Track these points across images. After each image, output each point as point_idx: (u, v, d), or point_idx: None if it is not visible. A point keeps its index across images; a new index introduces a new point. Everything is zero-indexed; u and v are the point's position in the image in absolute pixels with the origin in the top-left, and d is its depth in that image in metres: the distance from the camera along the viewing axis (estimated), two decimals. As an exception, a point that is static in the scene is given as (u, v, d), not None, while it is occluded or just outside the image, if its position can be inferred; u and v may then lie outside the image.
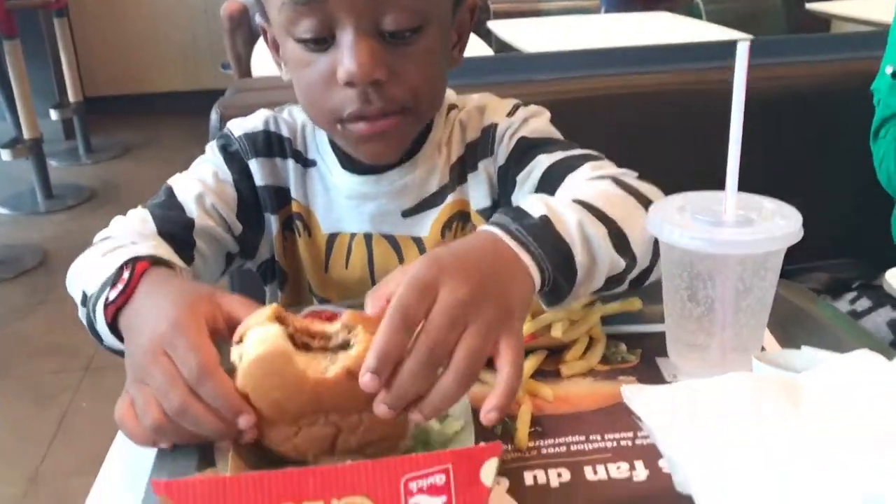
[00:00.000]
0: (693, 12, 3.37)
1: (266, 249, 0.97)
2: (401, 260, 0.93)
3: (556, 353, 0.74)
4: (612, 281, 0.71)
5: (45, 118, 4.14)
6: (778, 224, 0.67)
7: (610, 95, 1.40)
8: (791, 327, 0.75)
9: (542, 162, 0.87)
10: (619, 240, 0.70)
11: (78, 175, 4.21)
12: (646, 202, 0.74)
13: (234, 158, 0.92)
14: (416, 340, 0.54)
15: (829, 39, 2.32)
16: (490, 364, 0.56)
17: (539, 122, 0.92)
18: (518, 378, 0.55)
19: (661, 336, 0.74)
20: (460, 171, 0.92)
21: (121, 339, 0.67)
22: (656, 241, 0.71)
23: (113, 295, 0.67)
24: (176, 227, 0.85)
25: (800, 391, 0.53)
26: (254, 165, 0.92)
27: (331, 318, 0.77)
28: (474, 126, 0.93)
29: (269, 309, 0.57)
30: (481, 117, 0.93)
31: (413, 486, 0.44)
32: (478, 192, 0.92)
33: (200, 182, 0.89)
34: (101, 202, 3.89)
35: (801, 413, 0.51)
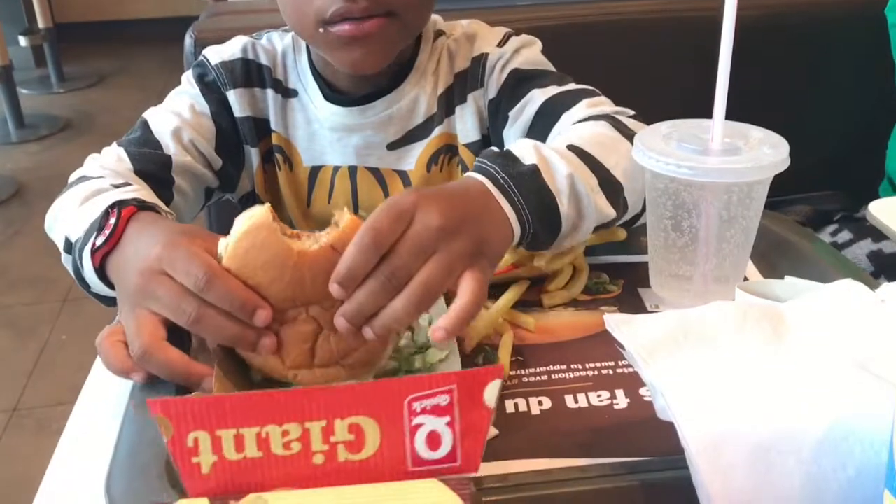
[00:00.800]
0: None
1: (247, 182, 0.94)
2: (386, 194, 0.91)
3: (538, 283, 0.73)
4: (600, 227, 0.71)
5: (15, 45, 4.03)
6: (765, 153, 0.66)
7: (596, 23, 1.36)
8: (775, 258, 0.75)
9: (536, 97, 0.84)
10: (611, 189, 0.69)
11: (50, 104, 4.11)
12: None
13: (210, 89, 0.89)
14: (381, 262, 0.55)
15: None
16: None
17: (531, 53, 0.89)
18: (474, 309, 0.55)
19: (643, 266, 0.74)
20: (448, 102, 0.89)
21: (109, 285, 0.66)
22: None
23: (100, 241, 0.65)
24: (154, 166, 0.83)
25: (783, 319, 0.52)
26: (232, 96, 0.89)
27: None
28: (464, 55, 0.89)
29: (260, 207, 0.57)
30: (471, 46, 0.90)
31: (417, 406, 0.44)
32: (466, 125, 0.89)
33: (177, 115, 0.86)
34: (76, 132, 3.81)
35: (784, 340, 0.51)
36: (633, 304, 0.72)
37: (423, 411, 0.44)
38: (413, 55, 0.89)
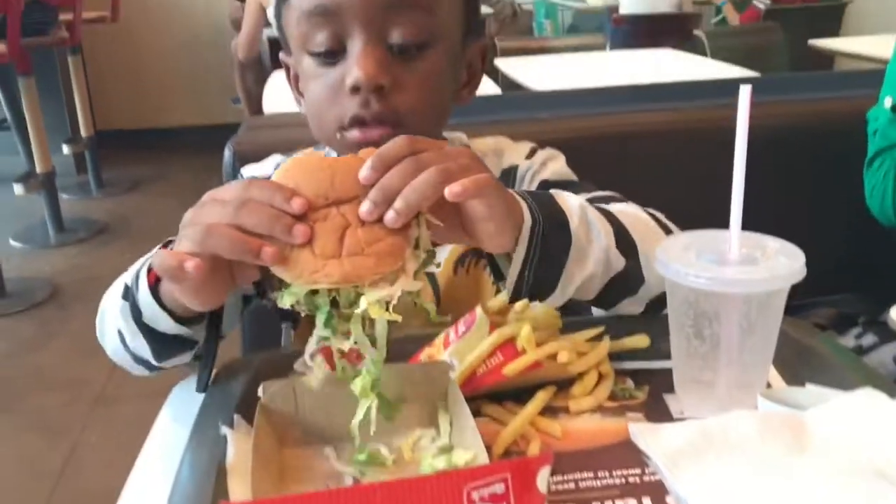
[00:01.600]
0: (697, 48, 3.41)
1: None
2: (414, 304, 0.93)
3: (564, 388, 0.75)
4: (620, 286, 0.74)
5: (58, 152, 4.20)
6: (782, 263, 0.68)
7: (615, 134, 1.42)
8: (796, 364, 0.76)
9: None
10: (624, 241, 0.73)
11: (89, 209, 4.26)
12: (666, 229, 0.77)
13: None
14: (410, 157, 0.62)
15: (832, 77, 2.34)
16: (499, 398, 0.57)
17: (557, 165, 0.95)
18: (488, 182, 0.63)
19: (668, 372, 0.75)
20: None
21: (164, 309, 0.72)
22: None
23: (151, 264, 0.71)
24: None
25: (805, 429, 0.54)
26: None
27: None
28: (492, 167, 0.93)
29: None
30: (499, 159, 0.95)
31: (475, 495, 0.46)
32: None
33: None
34: (112, 235, 3.93)
35: (806, 451, 0.52)
36: (658, 410, 0.73)
37: (482, 500, 0.46)
38: None
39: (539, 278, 0.71)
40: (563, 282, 0.71)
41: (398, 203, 0.60)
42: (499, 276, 0.77)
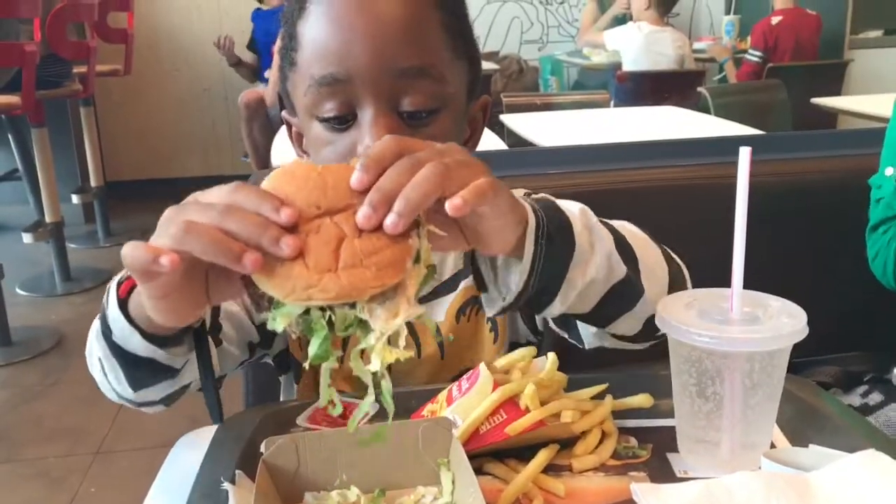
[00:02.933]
0: (701, 106, 3.45)
1: (282, 341, 0.98)
2: (417, 346, 0.95)
3: (567, 446, 0.74)
4: (619, 296, 0.74)
5: (67, 202, 4.24)
6: (784, 322, 0.69)
7: (619, 190, 1.43)
8: (800, 423, 0.76)
9: None
10: (624, 250, 0.74)
11: (96, 258, 4.28)
12: (663, 250, 0.80)
13: None
14: (406, 157, 0.58)
15: (834, 136, 2.36)
16: (502, 456, 0.57)
17: None
18: (488, 189, 0.59)
19: (671, 430, 0.75)
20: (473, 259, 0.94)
21: (130, 321, 0.70)
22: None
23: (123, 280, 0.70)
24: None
25: (809, 490, 0.54)
26: None
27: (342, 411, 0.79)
28: None
29: None
30: None
31: None
32: None
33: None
34: (118, 285, 3.94)
35: (809, 513, 0.52)
36: (661, 469, 0.73)
37: None
38: None
39: (542, 282, 0.69)
40: (565, 288, 0.70)
41: (398, 204, 0.55)
42: (485, 302, 0.74)
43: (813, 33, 4.48)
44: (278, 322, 0.57)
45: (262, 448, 0.65)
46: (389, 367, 0.62)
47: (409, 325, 0.94)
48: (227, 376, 0.91)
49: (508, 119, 2.94)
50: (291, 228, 0.56)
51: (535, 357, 0.78)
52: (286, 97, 0.93)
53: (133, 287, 0.69)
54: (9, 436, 2.60)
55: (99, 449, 2.46)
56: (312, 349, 0.58)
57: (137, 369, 0.74)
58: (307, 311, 0.57)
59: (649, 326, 0.76)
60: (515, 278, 0.68)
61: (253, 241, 0.55)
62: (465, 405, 0.72)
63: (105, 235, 4.57)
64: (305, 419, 0.77)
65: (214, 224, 0.56)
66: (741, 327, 0.68)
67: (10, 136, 3.96)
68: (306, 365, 0.59)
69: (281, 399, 1.05)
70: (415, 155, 0.58)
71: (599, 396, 0.77)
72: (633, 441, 0.77)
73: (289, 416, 0.78)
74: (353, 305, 0.56)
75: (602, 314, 0.76)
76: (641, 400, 0.78)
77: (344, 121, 0.82)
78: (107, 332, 0.73)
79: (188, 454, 0.78)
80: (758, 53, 4.31)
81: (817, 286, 1.35)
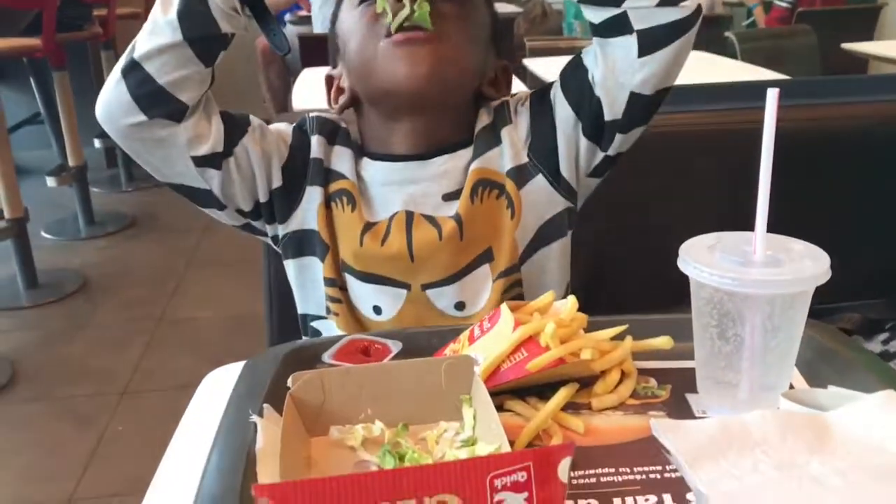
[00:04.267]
0: (728, 51, 3.39)
1: (299, 220, 1.01)
2: (440, 237, 0.97)
3: (586, 385, 0.75)
4: None
5: (89, 146, 4.26)
6: (806, 265, 0.68)
7: (644, 135, 1.42)
8: (820, 366, 0.76)
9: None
10: None
11: (118, 202, 4.32)
12: None
13: (301, 131, 1.03)
14: None
15: (864, 81, 2.32)
16: (523, 394, 0.58)
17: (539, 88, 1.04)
18: None
19: (691, 372, 0.76)
20: (485, 144, 1.01)
21: None
22: None
23: None
24: (232, 118, 0.99)
25: (826, 429, 0.54)
26: (315, 140, 1.02)
27: (366, 348, 0.80)
28: (486, 114, 1.03)
29: None
30: (489, 106, 1.04)
31: (498, 483, 0.47)
32: (503, 158, 1.00)
33: (266, 125, 1.02)
34: (141, 229, 3.98)
35: (827, 450, 0.52)
36: (680, 409, 0.74)
37: (504, 487, 0.47)
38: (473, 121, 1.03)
39: None
40: None
41: None
42: None
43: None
44: None
45: (289, 383, 0.66)
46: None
47: (429, 216, 0.99)
48: (226, 210, 1.00)
49: (531, 63, 2.91)
50: None
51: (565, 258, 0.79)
52: (332, 42, 1.04)
53: None
54: (38, 376, 2.66)
55: (125, 389, 2.52)
56: None
57: (195, 1, 0.87)
58: None
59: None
60: None
61: None
62: (487, 344, 0.73)
63: (127, 180, 4.60)
64: (331, 356, 0.79)
65: None
66: (763, 269, 0.68)
67: (31, 80, 3.97)
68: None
69: (293, 292, 1.07)
70: None
71: (619, 338, 0.78)
72: (653, 381, 0.77)
73: (314, 353, 0.79)
74: None
75: None
76: (662, 342, 0.79)
77: None
78: None
79: (215, 391, 0.80)
80: (788, 1, 4.21)
81: (842, 232, 1.35)
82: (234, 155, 0.96)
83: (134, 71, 0.89)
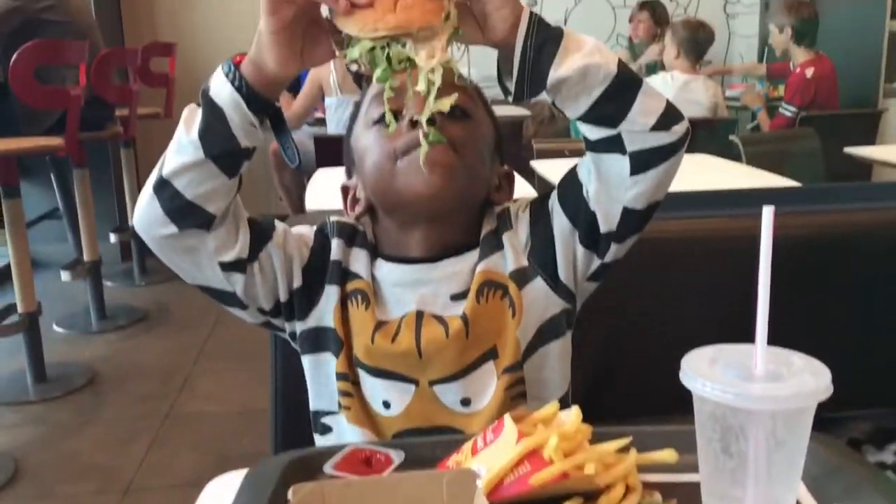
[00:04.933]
0: (733, 153, 3.45)
1: (316, 318, 1.05)
2: (447, 334, 1.02)
3: (591, 499, 0.75)
4: (622, 83, 0.89)
5: (105, 240, 4.32)
6: (807, 380, 0.69)
7: (650, 240, 1.44)
8: (826, 482, 0.75)
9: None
10: (623, 67, 0.90)
11: (131, 296, 4.35)
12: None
13: (322, 235, 1.09)
14: None
15: (867, 187, 2.35)
16: None
17: (538, 196, 1.09)
18: None
19: (696, 486, 0.75)
20: (489, 248, 1.06)
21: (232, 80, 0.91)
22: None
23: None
24: (258, 224, 1.03)
25: (830, 552, 0.53)
26: (335, 243, 1.07)
27: (368, 458, 0.80)
28: (490, 220, 1.09)
29: None
30: (493, 213, 1.10)
31: None
32: (506, 261, 1.05)
33: (289, 228, 1.08)
34: (152, 323, 4.00)
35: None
36: (686, 525, 0.73)
37: None
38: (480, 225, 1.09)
39: (540, 39, 0.86)
40: (560, 54, 0.87)
41: None
42: (506, 92, 0.91)
43: (834, 79, 4.46)
44: (354, 52, 0.83)
45: (290, 495, 0.66)
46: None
47: (437, 316, 1.03)
48: (248, 309, 1.04)
49: (539, 165, 2.97)
50: None
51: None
52: (347, 155, 1.12)
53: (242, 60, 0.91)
54: (41, 473, 2.63)
55: (128, 488, 2.48)
56: (376, 74, 0.84)
57: (214, 120, 0.91)
58: (373, 49, 0.83)
59: (665, 118, 0.92)
60: (520, 43, 0.86)
61: None
62: (490, 456, 0.73)
63: (141, 274, 4.64)
64: (332, 466, 0.79)
65: None
66: (764, 384, 0.69)
67: (52, 176, 4.07)
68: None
69: (307, 385, 1.09)
70: None
71: (624, 451, 0.78)
72: (658, 496, 0.77)
73: (316, 463, 0.79)
74: (404, 45, 0.82)
75: (611, 95, 0.89)
76: (666, 455, 0.78)
77: (394, 117, 0.94)
78: (206, 89, 0.92)
79: (218, 496, 0.79)
80: (793, 108, 4.30)
81: (851, 339, 1.34)
82: (258, 260, 1.01)
83: (164, 188, 0.94)
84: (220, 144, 0.92)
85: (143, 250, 4.63)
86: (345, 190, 1.13)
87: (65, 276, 3.70)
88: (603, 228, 1.00)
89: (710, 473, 0.72)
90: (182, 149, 0.93)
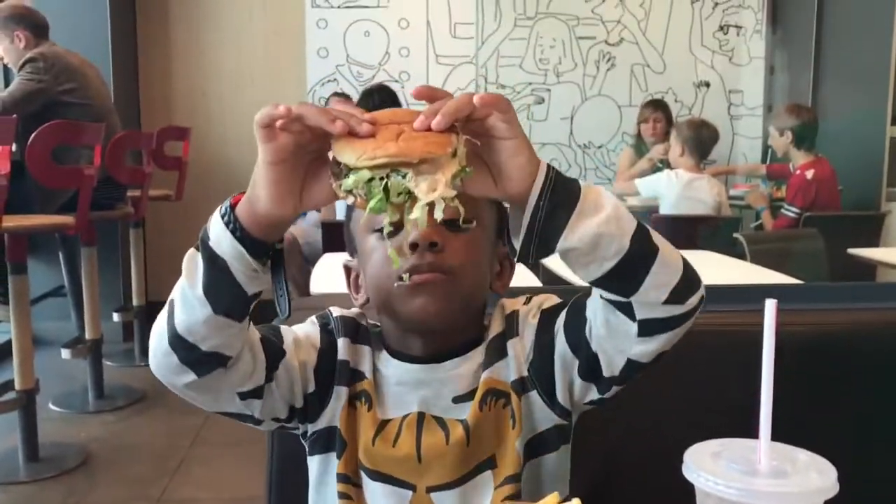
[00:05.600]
0: (737, 252, 3.47)
1: (327, 419, 1.04)
2: (447, 440, 1.00)
3: None
4: (636, 252, 0.85)
5: (107, 319, 4.32)
6: (812, 477, 0.68)
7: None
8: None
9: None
10: (637, 240, 0.86)
11: (131, 377, 4.30)
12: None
13: (326, 332, 1.07)
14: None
15: (872, 287, 2.36)
16: None
17: (552, 301, 1.06)
18: (506, 103, 0.80)
19: (700, 585, 0.73)
20: (495, 354, 1.05)
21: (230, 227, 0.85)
22: (690, 269, 0.92)
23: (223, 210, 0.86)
24: (271, 343, 1.00)
25: None
26: (341, 342, 1.05)
27: None
28: (497, 317, 1.08)
29: None
30: (503, 310, 1.08)
31: None
32: (509, 370, 1.03)
33: (297, 332, 1.06)
34: (150, 404, 3.95)
35: None
36: None
37: None
38: (484, 328, 1.07)
39: (552, 213, 0.82)
40: (573, 220, 0.83)
41: (442, 110, 0.77)
42: (513, 251, 0.88)
43: (834, 181, 4.53)
44: (349, 182, 0.77)
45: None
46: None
47: (438, 418, 1.00)
48: (263, 423, 1.03)
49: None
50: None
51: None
52: (349, 242, 1.11)
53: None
54: (26, 555, 2.56)
55: (115, 574, 2.42)
56: (371, 204, 0.77)
57: (216, 271, 0.86)
58: (371, 180, 0.76)
59: (678, 292, 0.89)
60: (530, 209, 0.82)
61: (343, 118, 0.77)
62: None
63: (142, 354, 4.61)
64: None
65: (320, 108, 0.79)
66: (769, 480, 0.68)
67: (60, 254, 4.09)
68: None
69: (309, 480, 1.08)
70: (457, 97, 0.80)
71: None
72: None
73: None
74: (404, 176, 0.76)
75: (624, 273, 0.86)
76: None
77: (395, 231, 0.92)
78: (205, 237, 0.87)
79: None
80: (795, 209, 4.35)
81: (855, 442, 1.32)
82: (274, 379, 1.00)
83: (178, 342, 0.91)
84: (227, 298, 0.87)
85: (145, 330, 4.62)
86: (347, 270, 1.12)
87: (65, 353, 3.68)
88: (605, 373, 0.98)
89: (713, 572, 0.70)
90: (189, 304, 0.89)
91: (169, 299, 0.92)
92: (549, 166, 0.83)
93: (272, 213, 0.82)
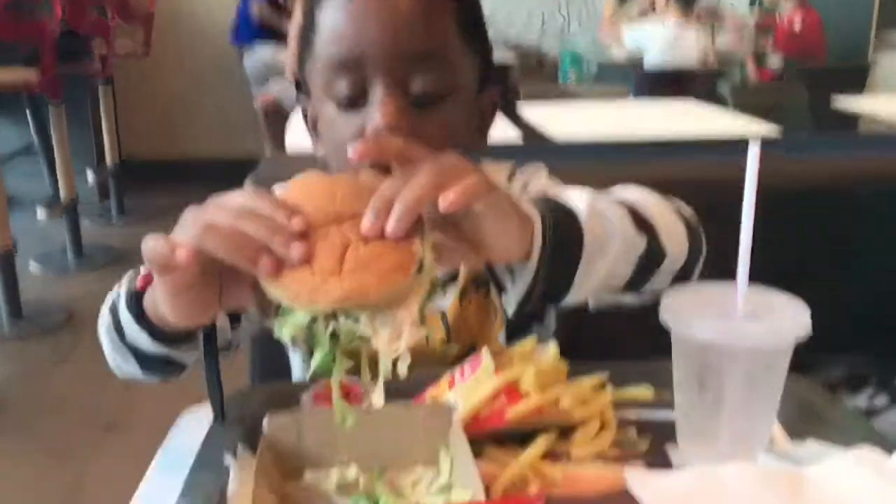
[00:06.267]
0: (720, 104, 3.43)
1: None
2: (428, 336, 0.95)
3: (566, 434, 0.75)
4: (645, 265, 0.77)
5: (82, 179, 4.26)
6: (787, 318, 0.69)
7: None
8: (800, 421, 0.76)
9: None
10: (640, 221, 0.76)
11: (108, 236, 4.30)
12: (678, 210, 0.82)
13: None
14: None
15: (853, 137, 2.35)
16: (501, 440, 0.57)
17: (540, 182, 0.99)
18: (478, 188, 0.60)
19: (671, 423, 0.75)
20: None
21: (140, 321, 0.75)
22: (694, 238, 0.82)
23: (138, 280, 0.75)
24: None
25: (803, 485, 0.54)
26: None
27: (346, 391, 0.79)
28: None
29: None
30: None
31: None
32: None
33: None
34: (130, 263, 3.88)
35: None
36: (660, 460, 0.73)
37: None
38: None
39: (553, 275, 0.71)
40: (580, 277, 0.73)
41: (395, 208, 0.58)
42: (505, 304, 0.78)
43: (820, 31, 4.44)
44: (285, 332, 0.58)
45: (265, 424, 0.66)
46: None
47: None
48: (240, 345, 0.93)
49: (526, 110, 2.93)
50: (302, 236, 0.58)
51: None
52: (303, 81, 0.95)
53: (151, 281, 0.72)
54: (18, 408, 2.63)
55: (108, 425, 2.49)
56: (315, 362, 0.59)
57: (148, 362, 0.79)
58: (314, 321, 0.58)
59: (686, 268, 0.82)
60: (526, 278, 0.71)
61: (265, 241, 0.58)
62: (467, 390, 0.72)
63: (118, 213, 4.60)
64: (309, 397, 0.78)
65: (230, 225, 0.59)
66: (744, 323, 0.68)
67: (27, 112, 3.98)
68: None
69: (292, 376, 1.06)
70: (413, 171, 0.61)
71: (600, 387, 0.78)
72: (633, 432, 0.77)
73: (292, 394, 0.79)
74: (357, 319, 0.58)
75: (632, 285, 0.79)
76: (641, 391, 0.78)
77: (355, 101, 0.84)
78: (119, 329, 0.78)
79: (191, 429, 0.79)
80: (779, 59, 4.28)
81: (831, 286, 1.35)
82: (241, 320, 0.89)
83: (130, 351, 0.82)
84: (157, 366, 0.80)
85: (120, 189, 4.58)
86: (303, 109, 0.96)
87: (41, 213, 3.65)
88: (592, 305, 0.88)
89: (686, 409, 0.72)
90: (124, 340, 0.80)
91: (111, 304, 0.83)
92: (543, 221, 0.70)
93: (187, 326, 0.70)
